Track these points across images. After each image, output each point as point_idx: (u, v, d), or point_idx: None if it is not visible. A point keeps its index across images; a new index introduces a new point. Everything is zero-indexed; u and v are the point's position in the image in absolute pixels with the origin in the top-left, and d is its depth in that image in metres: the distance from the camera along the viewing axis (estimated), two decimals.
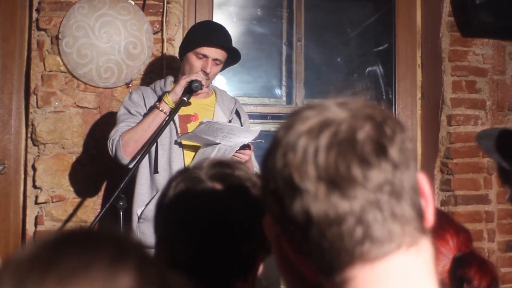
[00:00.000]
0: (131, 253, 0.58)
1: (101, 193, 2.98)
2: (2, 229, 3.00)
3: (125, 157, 2.37)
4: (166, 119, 2.35)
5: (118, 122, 2.47)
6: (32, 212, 2.94)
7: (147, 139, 2.36)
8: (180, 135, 2.44)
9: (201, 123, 2.31)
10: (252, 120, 3.00)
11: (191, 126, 2.48)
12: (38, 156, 2.94)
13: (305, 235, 0.66)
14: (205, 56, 2.45)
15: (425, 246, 0.68)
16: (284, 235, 0.71)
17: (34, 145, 2.95)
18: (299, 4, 3.41)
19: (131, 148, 2.37)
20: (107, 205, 2.14)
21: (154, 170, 2.44)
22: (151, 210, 2.34)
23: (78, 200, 2.95)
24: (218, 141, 2.34)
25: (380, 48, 3.54)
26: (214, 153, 2.36)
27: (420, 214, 0.67)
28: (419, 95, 3.46)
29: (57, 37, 2.95)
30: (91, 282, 0.54)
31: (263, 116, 3.32)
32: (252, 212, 0.96)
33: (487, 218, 3.25)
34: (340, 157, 0.64)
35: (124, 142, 2.36)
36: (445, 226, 1.12)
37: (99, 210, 2.91)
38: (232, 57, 2.57)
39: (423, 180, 0.70)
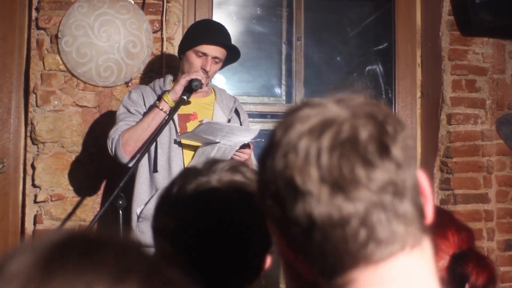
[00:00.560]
0: (134, 270, 0.52)
1: (100, 192, 2.98)
2: (1, 228, 2.99)
3: (124, 156, 2.37)
4: (166, 118, 2.35)
5: (118, 121, 2.47)
6: (31, 211, 2.94)
7: (147, 138, 2.36)
8: (179, 134, 2.44)
9: (201, 123, 2.31)
10: (251, 119, 2.99)
11: (190, 125, 2.47)
12: (37, 155, 2.94)
13: (307, 238, 0.65)
14: (204, 54, 2.45)
15: (427, 246, 0.67)
16: (284, 237, 0.69)
17: (34, 144, 2.95)
18: (299, 3, 3.41)
19: (131, 147, 2.36)
20: (107, 204, 2.14)
21: (154, 169, 2.43)
22: (150, 209, 2.34)
23: (77, 199, 2.95)
24: (217, 140, 2.34)
25: (380, 47, 3.54)
26: (213, 152, 2.36)
27: (421, 213, 0.67)
28: (419, 94, 3.46)
29: (56, 36, 2.94)
30: None
31: (262, 115, 3.32)
32: (258, 215, 0.95)
33: (486, 217, 3.25)
34: (344, 158, 0.63)
35: (124, 141, 2.36)
36: (446, 223, 1.12)
37: (98, 209, 2.90)
38: (232, 55, 2.56)
39: (422, 177, 0.69)
